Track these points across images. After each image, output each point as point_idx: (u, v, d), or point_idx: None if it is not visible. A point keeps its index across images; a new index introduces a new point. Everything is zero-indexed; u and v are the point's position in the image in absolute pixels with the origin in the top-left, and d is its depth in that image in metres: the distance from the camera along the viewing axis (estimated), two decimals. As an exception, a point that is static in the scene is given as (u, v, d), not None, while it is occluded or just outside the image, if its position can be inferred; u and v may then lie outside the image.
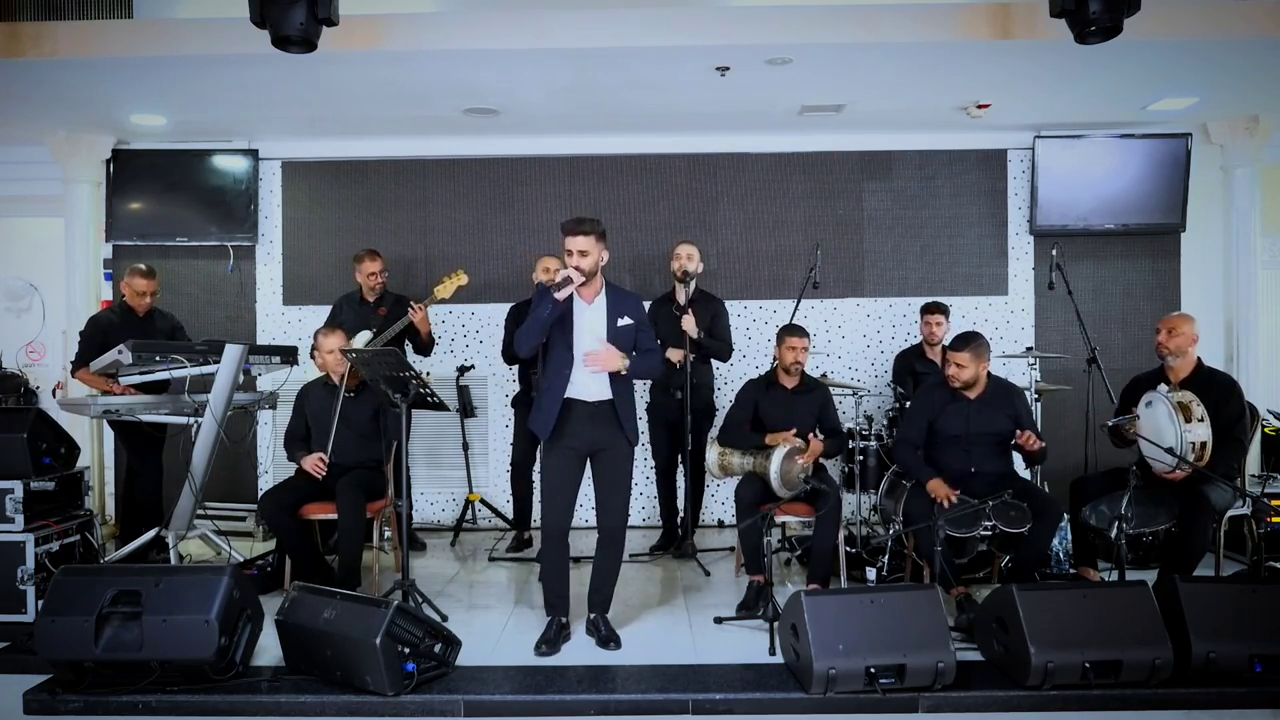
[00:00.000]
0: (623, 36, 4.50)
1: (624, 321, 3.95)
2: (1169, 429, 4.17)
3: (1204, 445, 4.14)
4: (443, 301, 5.45)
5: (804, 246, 6.17)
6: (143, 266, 5.32)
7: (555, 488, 3.96)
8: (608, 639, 3.95)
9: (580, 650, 3.91)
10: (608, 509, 4.01)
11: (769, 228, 6.38)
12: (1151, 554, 4.97)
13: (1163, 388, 4.35)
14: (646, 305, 5.54)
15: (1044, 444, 4.38)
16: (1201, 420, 4.15)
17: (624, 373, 3.90)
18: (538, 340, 3.90)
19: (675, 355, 5.11)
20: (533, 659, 3.79)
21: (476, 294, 6.28)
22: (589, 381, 3.93)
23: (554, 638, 3.92)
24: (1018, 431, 4.33)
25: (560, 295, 3.79)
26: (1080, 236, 6.25)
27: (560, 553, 3.99)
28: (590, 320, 3.94)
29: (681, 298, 5.31)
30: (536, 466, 5.18)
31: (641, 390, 6.12)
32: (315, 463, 4.58)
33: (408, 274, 6.28)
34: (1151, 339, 4.63)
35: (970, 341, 4.40)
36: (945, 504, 4.18)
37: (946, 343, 5.17)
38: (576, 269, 3.82)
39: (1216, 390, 4.38)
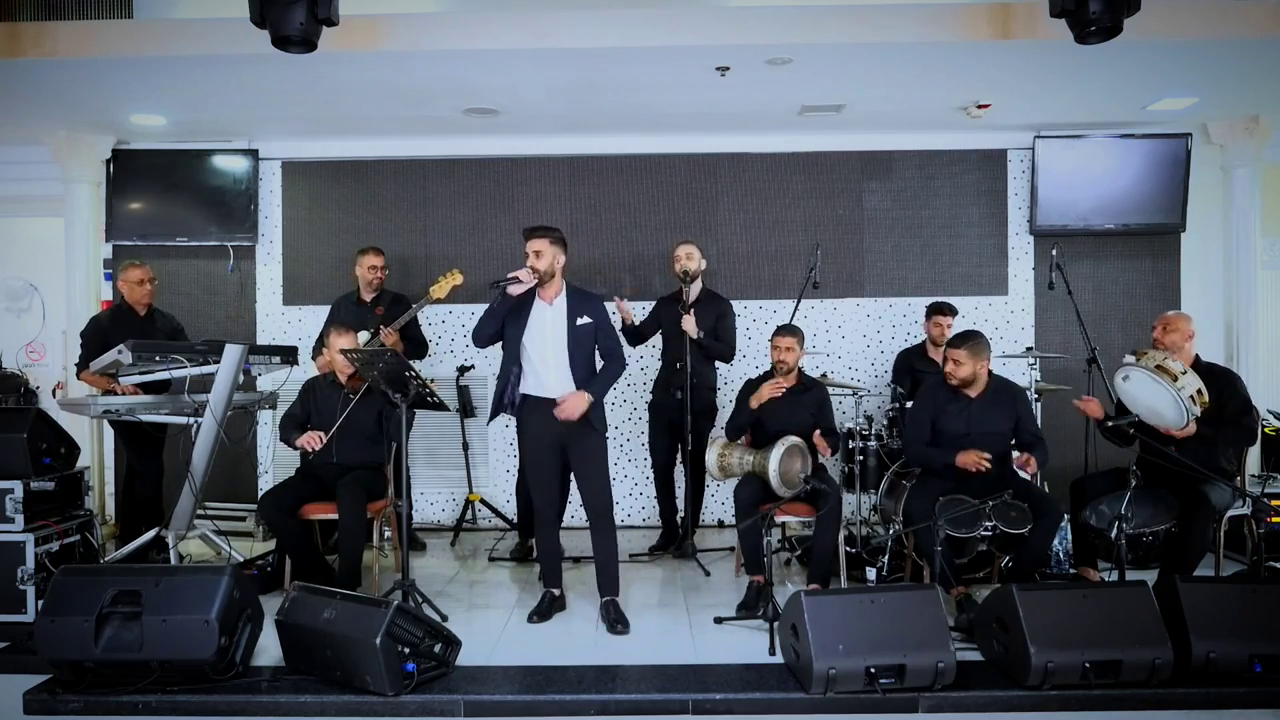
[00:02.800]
0: (623, 36, 4.50)
1: (583, 320, 4.17)
2: (1162, 392, 4.17)
3: (1200, 391, 4.18)
4: (439, 301, 5.45)
5: (804, 246, 6.17)
6: (134, 260, 5.37)
7: (538, 474, 4.26)
8: (616, 621, 4.10)
9: (581, 649, 3.91)
10: (590, 493, 4.25)
11: (769, 228, 6.38)
12: (1151, 554, 4.97)
13: (1129, 358, 4.35)
14: (653, 304, 5.60)
15: (1042, 444, 4.39)
16: (1185, 373, 4.18)
17: (590, 402, 4.10)
18: (489, 330, 4.17)
19: (689, 324, 5.12)
20: (532, 659, 3.79)
21: (476, 294, 6.26)
22: (550, 380, 4.15)
23: (546, 609, 4.25)
24: (1015, 455, 4.33)
25: (512, 290, 4.07)
26: (1080, 236, 6.25)
27: (552, 531, 4.32)
28: (551, 319, 4.16)
29: (686, 297, 5.29)
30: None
31: (643, 390, 6.14)
32: (311, 438, 4.56)
33: (407, 274, 6.27)
34: (1150, 338, 4.64)
35: (968, 339, 4.41)
36: (983, 468, 4.21)
37: (949, 341, 5.20)
38: (532, 268, 4.08)
39: (1218, 384, 4.40)
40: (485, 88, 5.22)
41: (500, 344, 5.56)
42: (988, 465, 4.23)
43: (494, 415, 4.35)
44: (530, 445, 4.27)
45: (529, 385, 4.20)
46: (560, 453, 4.23)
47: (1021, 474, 4.35)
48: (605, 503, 4.24)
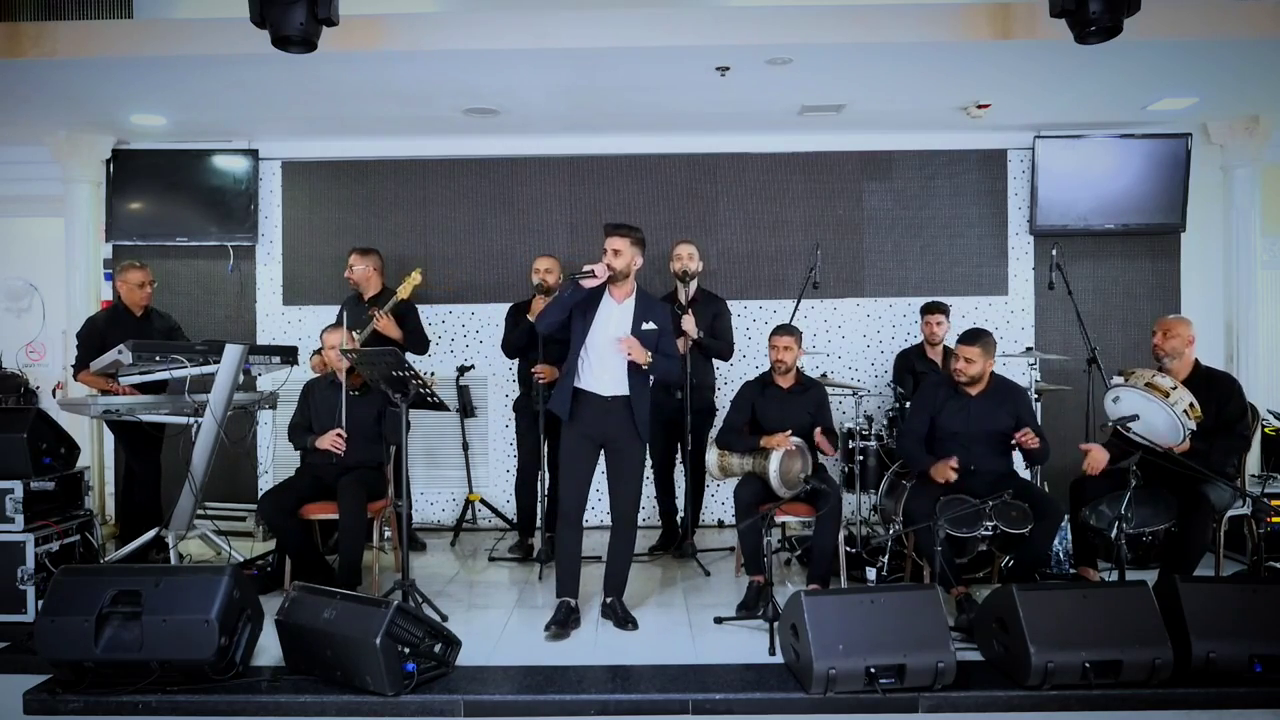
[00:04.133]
0: (623, 36, 4.50)
1: (648, 325, 4.17)
2: (1157, 411, 4.16)
3: (1192, 405, 4.17)
4: (406, 301, 5.43)
5: (804, 246, 6.17)
6: (134, 261, 5.36)
7: (571, 470, 4.19)
8: (625, 620, 4.13)
9: (581, 649, 3.91)
10: (618, 497, 4.23)
11: (769, 228, 6.38)
12: (1151, 554, 4.97)
13: (1117, 379, 4.37)
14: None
15: (1043, 442, 4.38)
16: (1175, 388, 4.18)
17: (645, 367, 4.10)
18: (555, 319, 4.14)
19: (689, 324, 5.12)
20: (532, 659, 3.79)
21: (476, 294, 6.30)
22: (605, 377, 4.14)
23: (564, 620, 4.07)
24: (1018, 434, 4.34)
25: (585, 283, 4.05)
26: (1080, 236, 6.25)
27: (573, 532, 4.17)
28: (618, 318, 4.16)
29: (683, 297, 5.31)
30: (540, 471, 5.24)
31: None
32: (334, 439, 4.59)
33: (406, 274, 6.25)
34: (1150, 341, 4.64)
35: (980, 337, 4.45)
36: (949, 477, 4.24)
37: (949, 342, 5.20)
38: (609, 265, 4.07)
39: (1217, 389, 4.39)
40: (485, 88, 5.22)
41: (501, 345, 5.62)
42: (953, 476, 4.26)
43: (557, 409, 4.25)
44: (572, 439, 4.19)
45: (585, 380, 4.18)
46: (597, 452, 4.22)
47: (1021, 447, 4.33)
48: (633, 509, 4.24)
